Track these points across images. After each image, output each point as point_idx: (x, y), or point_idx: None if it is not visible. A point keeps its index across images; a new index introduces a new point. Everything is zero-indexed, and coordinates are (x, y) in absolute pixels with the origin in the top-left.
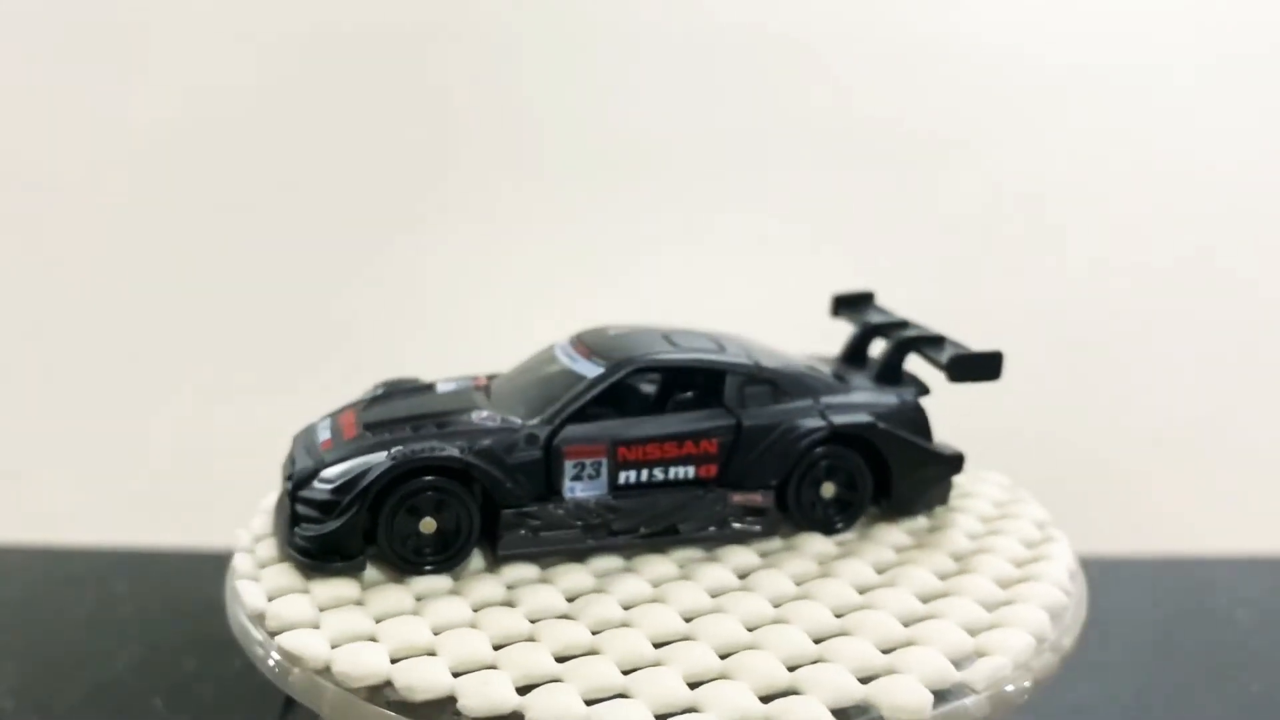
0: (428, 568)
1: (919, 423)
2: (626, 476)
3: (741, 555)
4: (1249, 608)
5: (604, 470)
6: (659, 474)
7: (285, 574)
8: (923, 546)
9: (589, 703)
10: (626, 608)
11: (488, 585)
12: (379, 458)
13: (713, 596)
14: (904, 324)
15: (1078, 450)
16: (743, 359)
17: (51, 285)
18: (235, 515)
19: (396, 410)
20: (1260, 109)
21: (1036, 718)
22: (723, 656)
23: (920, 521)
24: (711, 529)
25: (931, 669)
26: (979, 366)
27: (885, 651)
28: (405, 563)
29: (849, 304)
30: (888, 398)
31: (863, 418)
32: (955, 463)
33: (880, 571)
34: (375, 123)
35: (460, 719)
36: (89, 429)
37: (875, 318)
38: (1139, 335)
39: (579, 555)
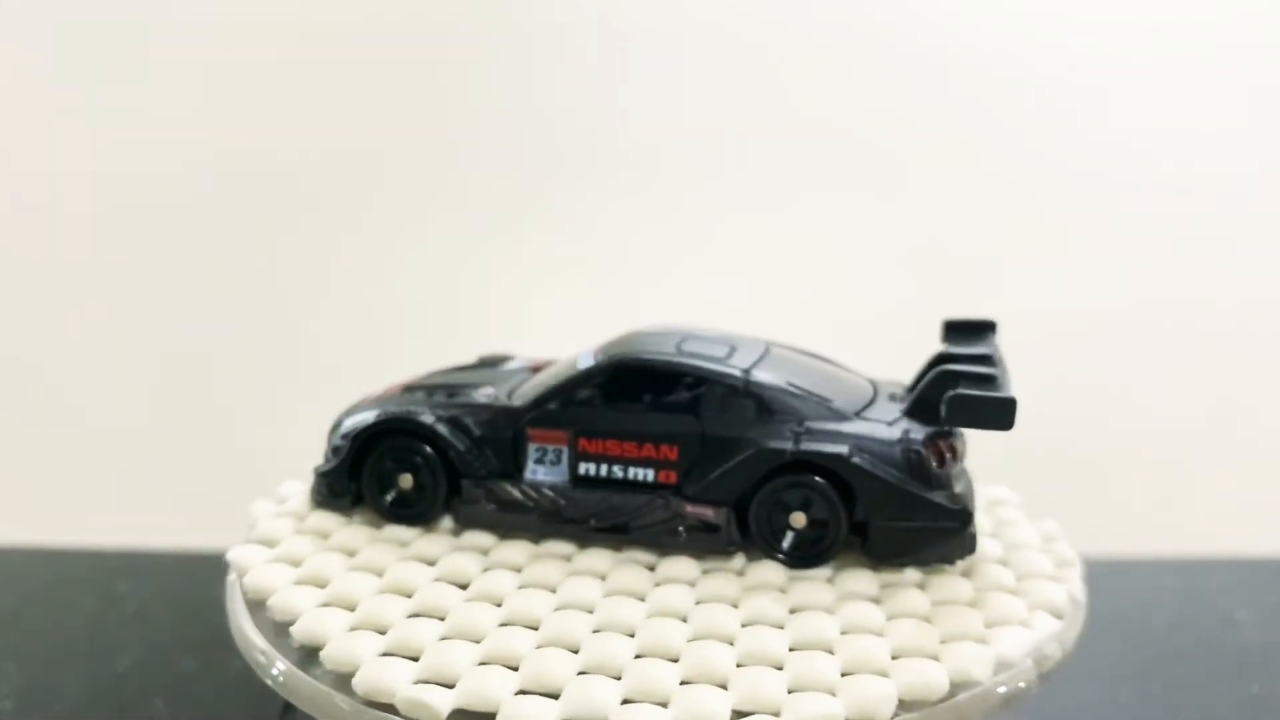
0: (396, 519)
1: (916, 465)
2: (586, 468)
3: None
4: (1249, 609)
5: (565, 458)
6: (618, 471)
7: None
8: None
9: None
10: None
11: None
12: (370, 416)
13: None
14: (982, 358)
15: (1078, 451)
16: (730, 370)
17: (52, 286)
18: (236, 516)
19: (441, 379)
20: (1260, 110)
21: (1036, 718)
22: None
23: None
24: (662, 535)
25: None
26: (984, 411)
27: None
28: (378, 511)
29: (961, 330)
30: (888, 432)
31: (835, 448)
32: (952, 516)
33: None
34: (384, 125)
35: None
36: (90, 430)
37: (961, 348)
38: (1139, 336)
39: (538, 539)
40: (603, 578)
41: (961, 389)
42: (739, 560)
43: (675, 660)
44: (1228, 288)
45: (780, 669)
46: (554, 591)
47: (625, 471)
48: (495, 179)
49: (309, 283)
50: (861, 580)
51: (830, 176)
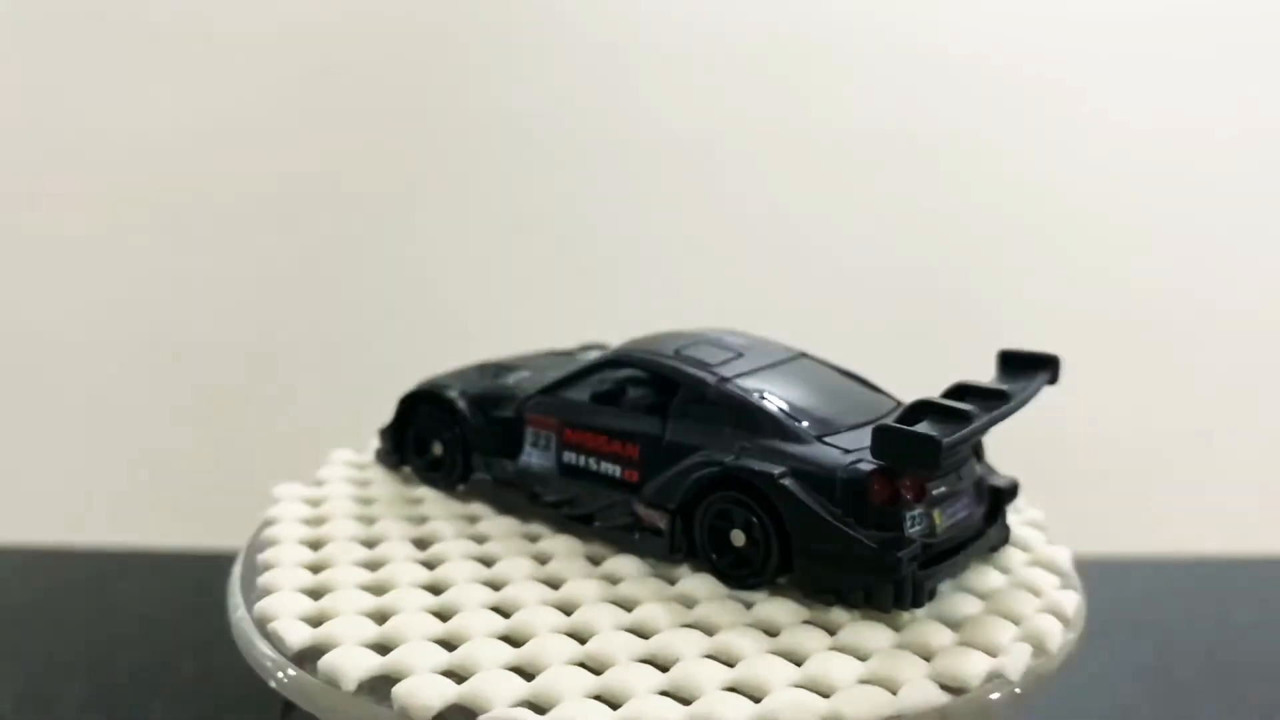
0: (428, 480)
1: (849, 496)
2: (569, 457)
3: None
4: (1247, 608)
5: (553, 446)
6: (593, 464)
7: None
8: None
9: None
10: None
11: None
12: (415, 386)
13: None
14: (995, 393)
15: (1077, 451)
16: (702, 376)
17: (55, 287)
18: (237, 518)
19: (508, 361)
20: (1260, 112)
21: (1035, 717)
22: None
23: None
24: (620, 532)
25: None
26: (907, 447)
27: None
28: (415, 470)
29: (1012, 363)
30: (838, 459)
31: (768, 467)
32: (873, 559)
33: None
34: (390, 128)
35: None
36: (92, 432)
37: (1001, 380)
38: (1138, 336)
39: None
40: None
41: (888, 421)
42: (681, 570)
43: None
44: (1225, 289)
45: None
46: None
47: (598, 465)
48: (507, 181)
49: (311, 284)
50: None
51: (829, 177)
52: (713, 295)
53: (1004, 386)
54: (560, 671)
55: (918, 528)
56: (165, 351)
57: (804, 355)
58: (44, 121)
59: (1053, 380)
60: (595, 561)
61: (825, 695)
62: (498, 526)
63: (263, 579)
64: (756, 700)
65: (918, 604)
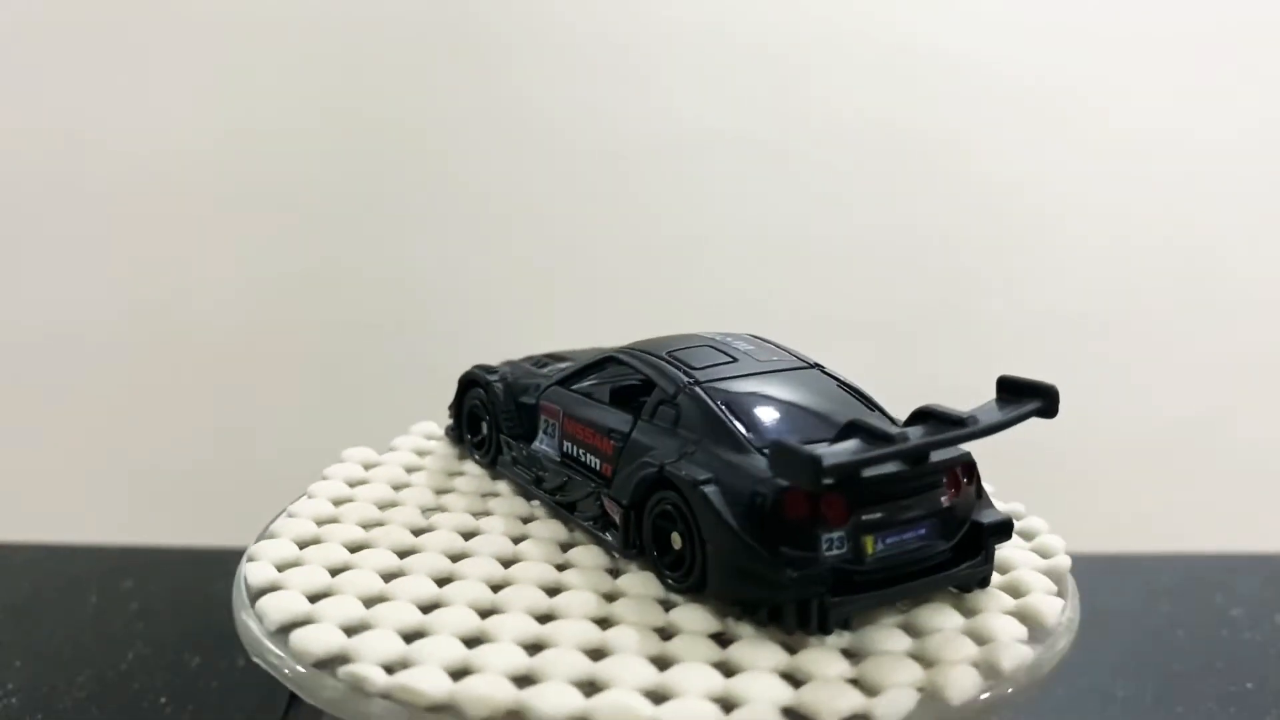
0: (476, 459)
1: (760, 509)
2: (567, 446)
3: None
4: (1244, 605)
5: (556, 434)
6: (582, 455)
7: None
8: None
9: None
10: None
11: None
12: (468, 371)
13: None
14: (956, 420)
15: (1074, 449)
16: (675, 378)
17: (59, 287)
18: (239, 515)
19: (566, 353)
20: (1255, 113)
21: (1032, 715)
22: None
23: None
24: (594, 524)
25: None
26: (792, 464)
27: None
28: (468, 446)
29: (1006, 389)
30: (763, 471)
31: (694, 473)
32: (775, 579)
33: None
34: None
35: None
36: (94, 429)
37: (982, 408)
38: (1135, 335)
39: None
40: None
41: (782, 440)
42: (632, 567)
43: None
44: (1223, 288)
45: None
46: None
47: (585, 457)
48: (505, 181)
49: (314, 284)
50: None
51: (828, 177)
52: (739, 299)
53: (967, 415)
54: (434, 642)
55: (836, 551)
56: (171, 350)
57: (815, 367)
58: (46, 121)
59: (1045, 412)
60: (566, 548)
61: (657, 703)
62: (507, 505)
63: (255, 547)
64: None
65: (824, 630)
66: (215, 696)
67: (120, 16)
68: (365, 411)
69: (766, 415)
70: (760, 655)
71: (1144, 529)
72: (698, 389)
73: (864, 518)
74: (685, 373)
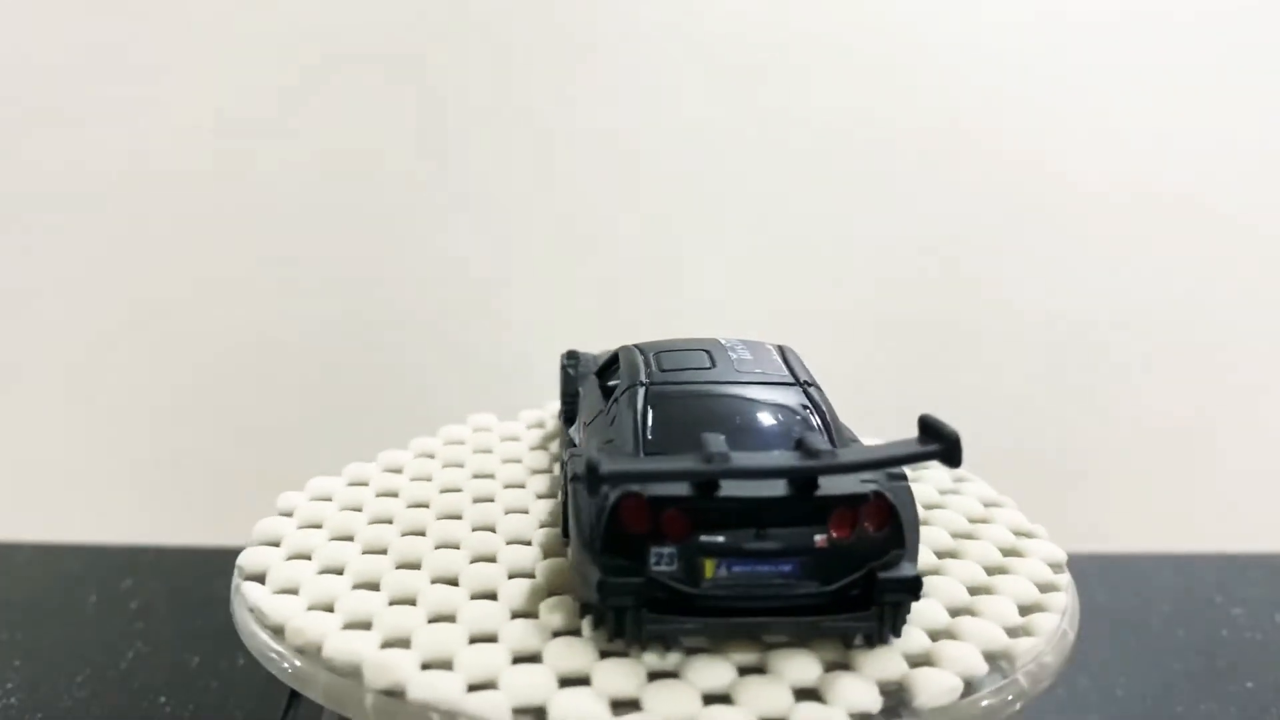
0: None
1: (600, 515)
2: (576, 433)
3: None
4: (1244, 605)
5: (578, 420)
6: (578, 441)
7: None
8: None
9: None
10: None
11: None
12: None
13: None
14: (813, 452)
15: (1074, 448)
16: (633, 376)
17: (60, 286)
18: (240, 514)
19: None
20: (1255, 112)
21: (1030, 714)
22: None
23: None
24: (561, 509)
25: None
26: (585, 469)
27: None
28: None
29: (927, 431)
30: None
31: (574, 468)
32: (587, 583)
33: None
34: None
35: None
36: (94, 428)
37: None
38: (1134, 334)
39: None
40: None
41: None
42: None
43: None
44: (1221, 288)
45: None
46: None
47: (577, 443)
48: (501, 180)
49: (316, 283)
50: None
51: (826, 177)
52: (751, 302)
53: (826, 450)
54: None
55: (665, 568)
56: (170, 348)
57: (805, 385)
58: (47, 121)
59: (944, 457)
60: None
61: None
62: (539, 483)
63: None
64: None
65: (640, 643)
66: (215, 695)
67: (119, 17)
68: (367, 411)
69: (691, 423)
70: (576, 657)
71: (1144, 529)
72: (638, 388)
73: (704, 539)
74: (647, 371)
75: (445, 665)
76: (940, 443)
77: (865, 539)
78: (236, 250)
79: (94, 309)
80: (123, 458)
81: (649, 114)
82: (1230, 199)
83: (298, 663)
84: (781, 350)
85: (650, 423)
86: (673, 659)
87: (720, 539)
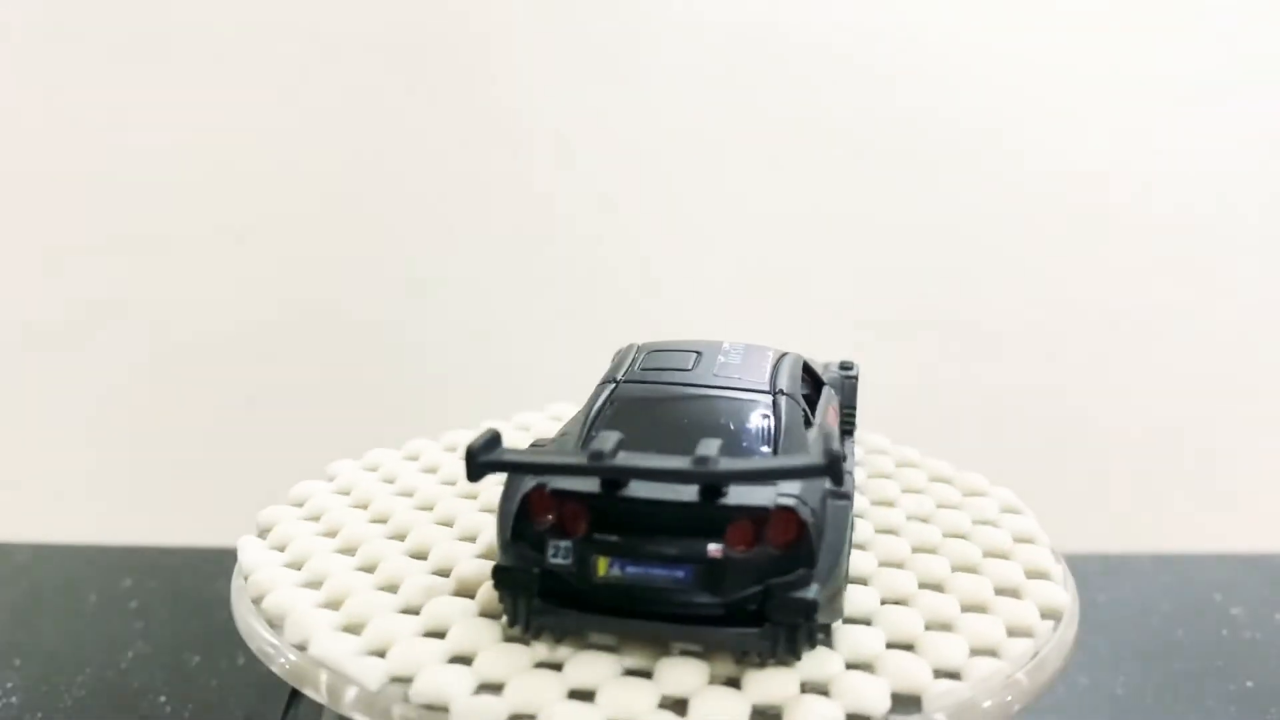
0: None
1: (516, 503)
2: None
3: None
4: (1245, 605)
5: None
6: None
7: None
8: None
9: None
10: None
11: None
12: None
13: None
14: (698, 459)
15: (1075, 448)
16: (613, 373)
17: (60, 285)
18: (240, 513)
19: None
20: (1259, 113)
21: (1031, 713)
22: None
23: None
24: None
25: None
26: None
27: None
28: None
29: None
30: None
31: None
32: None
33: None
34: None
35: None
36: (94, 427)
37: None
38: (1135, 334)
39: None
40: None
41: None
42: None
43: None
44: (1224, 288)
45: None
46: None
47: None
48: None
49: (315, 283)
50: None
51: (825, 177)
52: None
53: (712, 457)
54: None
55: (561, 561)
56: (170, 349)
57: (773, 394)
58: (47, 120)
59: (824, 473)
60: None
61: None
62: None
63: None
64: None
65: (533, 633)
66: (215, 695)
67: (117, 19)
68: (368, 411)
69: (641, 423)
70: (476, 640)
71: (1144, 528)
72: (606, 385)
73: (599, 536)
74: (627, 370)
75: (378, 641)
76: (823, 458)
77: (766, 554)
78: (237, 250)
79: (94, 309)
80: (122, 457)
81: (653, 114)
82: (1231, 199)
83: (293, 657)
84: (781, 357)
85: (599, 419)
86: (564, 652)
87: (614, 538)
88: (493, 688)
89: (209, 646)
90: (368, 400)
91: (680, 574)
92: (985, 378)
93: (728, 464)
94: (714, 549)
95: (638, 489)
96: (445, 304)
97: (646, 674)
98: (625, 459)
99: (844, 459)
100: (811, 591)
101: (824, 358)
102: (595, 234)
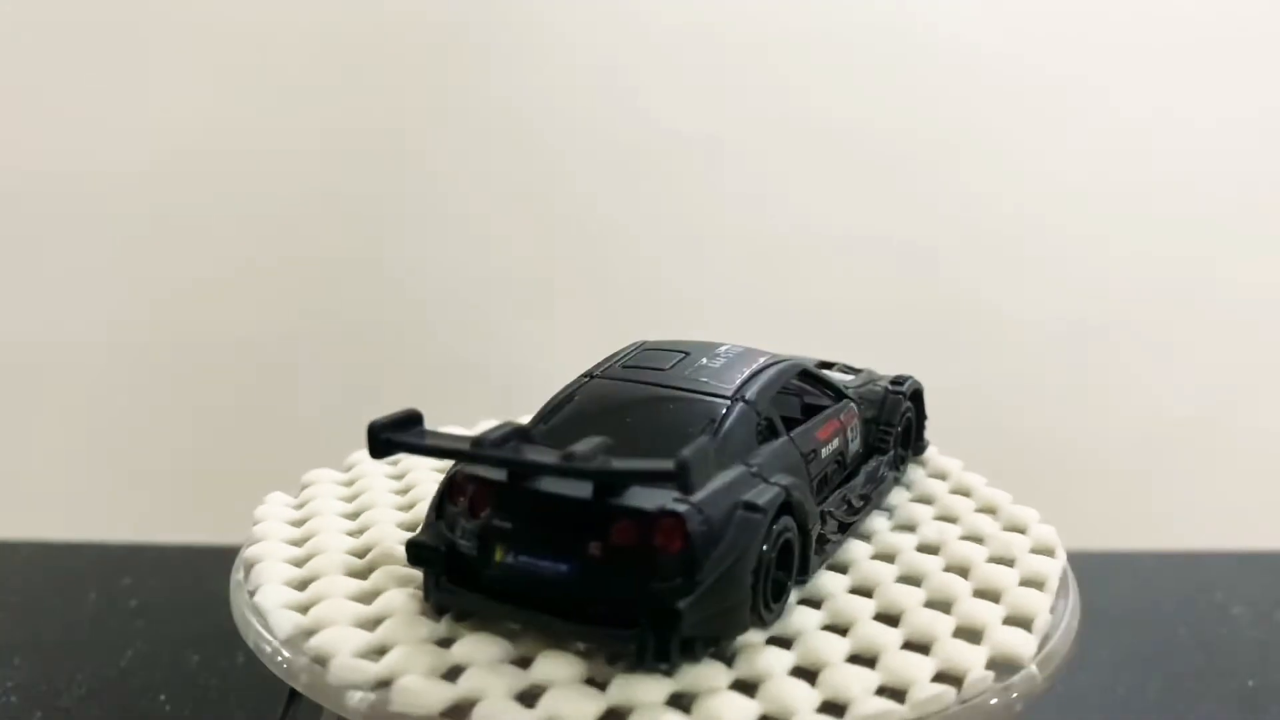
0: None
1: (443, 487)
2: None
3: None
4: (1245, 603)
5: None
6: None
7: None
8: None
9: None
10: None
11: None
12: None
13: None
14: (565, 454)
15: (1076, 447)
16: (595, 370)
17: (61, 285)
18: (239, 513)
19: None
20: (1258, 113)
21: (1030, 714)
22: None
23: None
24: None
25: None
26: None
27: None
28: None
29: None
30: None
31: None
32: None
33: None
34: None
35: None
36: (94, 426)
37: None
38: (1136, 334)
39: None
40: None
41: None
42: None
43: None
44: (1225, 287)
45: None
46: None
47: None
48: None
49: (315, 283)
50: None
51: (824, 177)
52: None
53: (582, 454)
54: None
55: (465, 543)
56: (171, 347)
57: (731, 399)
58: (47, 120)
59: (673, 478)
60: None
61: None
62: None
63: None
64: None
65: (441, 610)
66: (214, 694)
67: (115, 19)
68: (367, 411)
69: (590, 416)
70: (399, 607)
71: (1144, 527)
72: (581, 378)
73: (495, 522)
74: (607, 366)
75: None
76: (672, 464)
77: (647, 557)
78: (236, 251)
79: (93, 309)
80: (122, 457)
81: (651, 115)
82: (1232, 198)
83: (286, 654)
84: (769, 364)
85: (555, 410)
86: (461, 630)
87: (506, 525)
88: (375, 653)
89: (209, 646)
90: (368, 400)
91: (563, 568)
92: (986, 376)
93: (582, 462)
94: (594, 547)
95: (540, 482)
96: (445, 304)
97: (526, 662)
98: (510, 450)
99: (694, 468)
100: (682, 601)
101: (883, 369)
102: (602, 233)
